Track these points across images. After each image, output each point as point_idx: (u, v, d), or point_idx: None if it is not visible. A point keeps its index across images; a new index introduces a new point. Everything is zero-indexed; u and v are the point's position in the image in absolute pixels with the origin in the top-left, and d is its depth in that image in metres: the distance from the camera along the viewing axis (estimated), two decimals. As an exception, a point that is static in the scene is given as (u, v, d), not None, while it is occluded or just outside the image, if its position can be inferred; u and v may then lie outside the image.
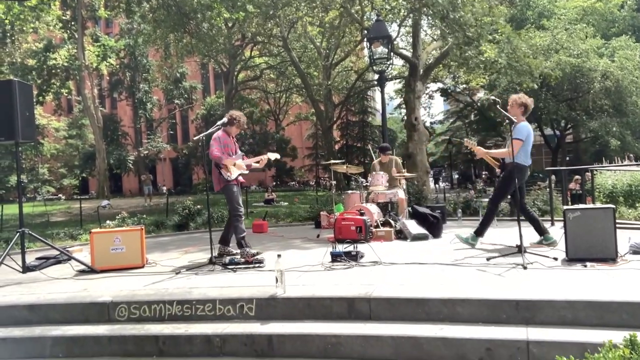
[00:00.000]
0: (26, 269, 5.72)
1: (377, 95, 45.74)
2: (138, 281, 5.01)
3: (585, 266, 4.53)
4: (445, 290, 3.86)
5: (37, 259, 6.44)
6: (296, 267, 5.21)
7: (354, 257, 5.38)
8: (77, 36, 33.45)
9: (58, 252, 6.81)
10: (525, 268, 4.53)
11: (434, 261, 5.20)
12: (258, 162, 6.31)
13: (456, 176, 45.94)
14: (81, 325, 4.17)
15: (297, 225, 11.05)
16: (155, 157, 45.98)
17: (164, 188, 41.48)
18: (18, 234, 5.60)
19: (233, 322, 3.99)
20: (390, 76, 29.93)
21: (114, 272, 5.61)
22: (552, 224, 8.22)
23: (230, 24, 25.03)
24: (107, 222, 10.52)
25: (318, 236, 7.95)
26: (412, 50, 16.85)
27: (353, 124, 43.58)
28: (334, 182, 8.31)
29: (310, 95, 27.26)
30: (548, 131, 34.84)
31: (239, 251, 5.90)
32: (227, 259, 5.46)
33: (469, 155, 44.82)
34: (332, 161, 8.38)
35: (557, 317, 3.45)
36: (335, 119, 31.72)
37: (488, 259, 5.04)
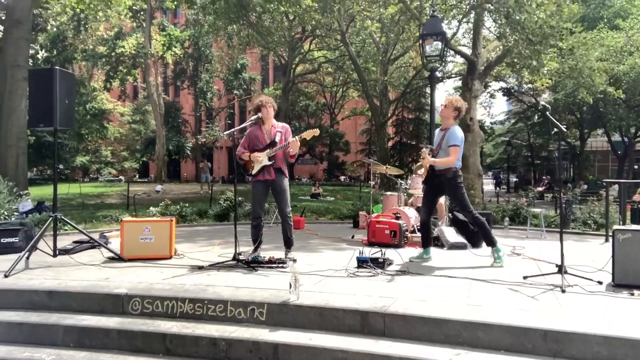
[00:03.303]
0: (58, 252, 5.84)
1: (435, 92, 44.76)
2: (159, 274, 4.99)
3: (632, 294, 4.08)
4: (467, 312, 3.56)
5: (74, 242, 6.59)
6: (319, 270, 5.03)
7: (380, 264, 5.13)
8: (145, 25, 34.63)
9: (97, 236, 6.99)
10: (563, 291, 4.14)
11: (465, 275, 4.87)
12: (287, 146, 5.59)
13: (514, 180, 44.21)
14: (95, 315, 4.15)
15: (336, 223, 10.87)
16: (212, 145, 47.03)
17: (216, 178, 42.38)
18: (51, 218, 5.71)
19: (243, 325, 3.86)
20: (450, 74, 29.13)
21: (140, 261, 5.63)
22: (607, 240, 7.61)
23: (291, 17, 25.08)
24: (151, 208, 10.73)
25: (352, 237, 7.73)
26: (471, 48, 16.20)
27: (408, 121, 42.79)
28: (373, 182, 8.03)
29: (366, 90, 26.91)
30: (615, 137, 32.84)
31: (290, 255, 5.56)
32: (250, 257, 5.34)
33: (529, 158, 43.05)
34: (372, 160, 8.09)
35: (590, 353, 3.09)
36: (390, 116, 31.19)
37: (525, 277, 4.66)
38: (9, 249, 6.06)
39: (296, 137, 5.75)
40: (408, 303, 3.79)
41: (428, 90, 41.97)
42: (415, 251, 6.11)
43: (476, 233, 6.92)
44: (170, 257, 5.87)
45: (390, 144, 38.39)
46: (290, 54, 32.18)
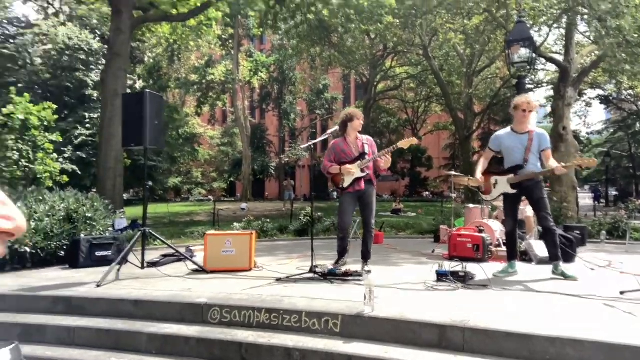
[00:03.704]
0: (146, 265, 6.15)
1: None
2: (238, 285, 5.09)
3: None
4: (555, 328, 3.28)
5: (161, 255, 6.93)
6: (396, 284, 4.89)
7: (461, 278, 4.90)
8: (233, 53, 36.37)
9: (183, 250, 7.32)
10: (667, 308, 3.71)
11: (554, 290, 4.52)
12: (379, 157, 5.52)
13: (614, 193, 40.92)
14: (176, 324, 4.30)
15: (416, 238, 10.60)
16: (295, 164, 48.00)
17: (298, 196, 43.05)
18: (140, 232, 6.04)
19: (317, 336, 3.82)
20: (541, 82, 27.79)
21: (222, 273, 5.78)
22: None
23: (372, 35, 25.23)
24: (235, 224, 11.07)
25: (433, 251, 7.48)
26: (563, 54, 15.36)
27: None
28: (454, 195, 7.74)
29: (449, 104, 26.33)
30: None
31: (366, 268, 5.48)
32: (326, 270, 5.31)
33: (630, 169, 39.79)
34: (452, 172, 7.83)
35: (702, 376, 2.73)
36: (475, 129, 30.20)
37: (622, 293, 4.24)
38: (102, 261, 6.47)
39: (391, 147, 5.73)
40: (490, 317, 3.56)
41: (516, 101, 40.35)
42: (500, 266, 5.78)
43: (568, 247, 6.46)
44: (250, 270, 5.99)
45: (475, 157, 37.13)
46: (371, 71, 32.30)
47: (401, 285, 4.84)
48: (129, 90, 29.63)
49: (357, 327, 3.75)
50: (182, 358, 3.97)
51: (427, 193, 44.36)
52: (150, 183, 35.65)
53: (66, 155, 24.56)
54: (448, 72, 27.69)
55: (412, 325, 3.58)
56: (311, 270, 5.28)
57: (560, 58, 15.62)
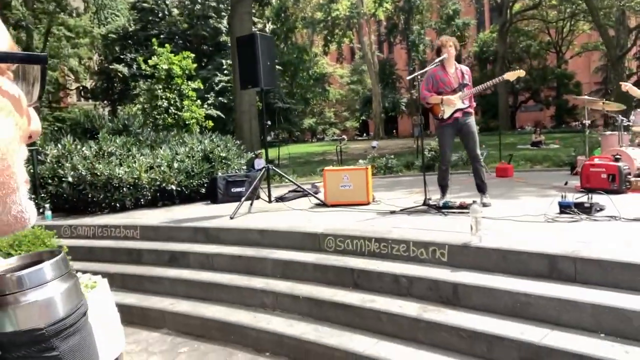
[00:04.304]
0: (275, 200, 6.67)
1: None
2: (354, 217, 5.34)
3: None
4: (683, 260, 3.02)
5: (290, 191, 7.42)
6: (514, 215, 4.75)
7: (587, 209, 4.60)
8: (356, -15, 35.66)
9: (309, 186, 7.78)
10: None
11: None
12: (486, 89, 5.58)
13: None
14: (296, 251, 4.69)
15: (553, 170, 9.92)
16: (427, 98, 46.64)
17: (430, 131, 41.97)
18: (265, 169, 6.51)
19: (425, 265, 3.94)
20: None
21: (341, 207, 6.08)
22: None
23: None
24: (360, 161, 11.32)
25: (565, 183, 7.00)
26: None
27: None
28: (587, 122, 7.06)
29: (597, 20, 23.35)
30: None
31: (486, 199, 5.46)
32: (441, 202, 5.32)
33: None
34: (585, 97, 7.11)
35: None
36: (630, 47, 26.58)
37: None
38: (238, 197, 7.08)
39: (497, 78, 5.57)
40: (607, 248, 3.37)
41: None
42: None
43: None
44: (368, 203, 6.19)
45: (633, 79, 32.85)
46: (506, -9, 29.65)
47: (519, 217, 4.70)
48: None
49: (464, 257, 3.79)
50: (302, 281, 4.35)
51: (577, 123, 40.53)
52: (268, 122, 37.21)
53: (209, 102, 26.50)
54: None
55: (520, 255, 3.53)
56: (424, 204, 5.33)
57: None
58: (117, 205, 6.78)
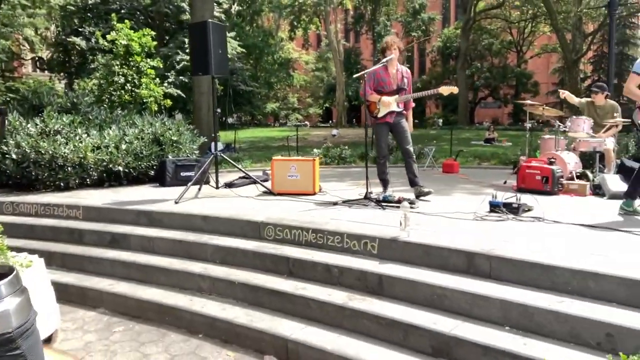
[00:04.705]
0: (224, 186, 6.74)
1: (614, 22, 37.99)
2: (297, 207, 5.48)
3: None
4: (584, 261, 3.29)
5: (240, 178, 7.49)
6: (446, 212, 5.00)
7: (514, 209, 4.89)
8: (324, -28, 35.52)
9: (261, 173, 7.89)
10: None
11: (608, 225, 4.40)
12: (422, 96, 5.92)
13: None
14: (237, 238, 4.81)
15: (498, 168, 10.36)
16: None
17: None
18: (212, 156, 6.57)
19: (356, 256, 4.12)
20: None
21: (287, 196, 6.21)
22: None
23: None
24: (314, 150, 11.48)
25: (504, 182, 7.36)
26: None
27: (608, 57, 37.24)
28: (528, 125, 7.43)
29: (555, 23, 24.17)
30: None
31: (425, 190, 5.76)
32: (381, 196, 5.53)
33: None
34: (528, 101, 7.46)
35: None
36: (584, 51, 27.61)
37: (683, 231, 4.05)
38: (187, 181, 7.06)
39: (432, 90, 5.85)
40: (521, 247, 3.63)
41: (635, 20, 36.01)
42: (573, 199, 5.69)
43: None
44: (314, 194, 6.36)
45: (587, 83, 34.14)
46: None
47: (450, 214, 4.94)
48: (223, 15, 30.42)
49: (392, 250, 3.99)
50: (240, 268, 4.48)
51: (533, 121, 41.79)
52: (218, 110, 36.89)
53: (170, 80, 25.99)
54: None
55: (442, 250, 3.75)
56: (366, 197, 5.53)
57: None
58: (62, 184, 6.71)
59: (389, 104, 5.64)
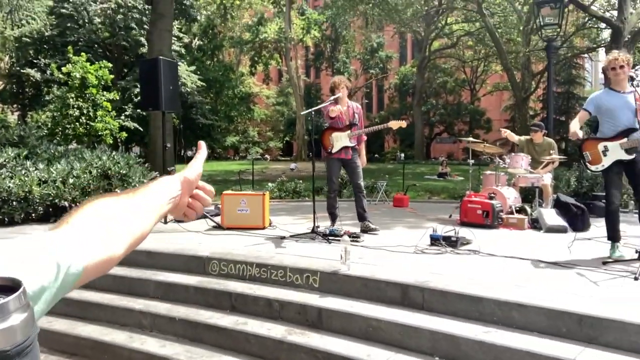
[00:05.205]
0: (171, 220, 6.71)
1: (589, 63, 40.35)
2: (245, 241, 5.53)
3: None
4: (508, 292, 3.48)
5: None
6: (388, 245, 5.14)
7: (453, 243, 5.09)
8: (285, 10, 36.33)
9: (213, 207, 7.87)
10: (636, 279, 3.78)
11: (539, 257, 4.63)
12: (371, 131, 6.19)
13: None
14: (181, 274, 4.81)
15: (447, 202, 10.67)
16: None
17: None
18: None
19: (298, 290, 4.19)
20: (601, 42, 26.16)
21: (237, 230, 6.24)
22: None
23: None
24: (269, 184, 11.55)
25: (450, 216, 7.61)
26: (617, 12, 14.46)
27: (557, 95, 39.18)
28: (471, 161, 7.79)
29: (505, 63, 25.35)
30: None
31: (372, 226, 5.94)
32: (327, 230, 5.65)
33: None
34: (471, 139, 7.84)
35: (627, 342, 2.88)
36: (533, 89, 28.98)
37: (604, 263, 4.31)
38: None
39: (382, 124, 6.08)
40: (452, 280, 3.80)
41: (580, 61, 38.18)
42: (512, 233, 6.03)
43: (579, 216, 6.44)
44: (264, 228, 6.41)
45: (537, 119, 35.71)
46: (425, 29, 31.47)
47: (393, 247, 5.09)
48: (183, 50, 30.53)
49: (333, 283, 4.09)
50: (182, 304, 4.47)
51: (485, 157, 43.19)
52: (167, 144, 36.70)
53: (127, 113, 25.74)
54: (506, 30, 26.56)
55: (379, 283, 3.88)
56: (313, 231, 5.64)
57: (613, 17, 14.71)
58: (6, 219, 6.55)
59: (341, 140, 5.83)
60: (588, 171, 5.20)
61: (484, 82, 43.03)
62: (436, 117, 42.27)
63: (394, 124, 6.05)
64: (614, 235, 4.59)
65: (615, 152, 4.49)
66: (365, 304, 3.81)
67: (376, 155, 42.77)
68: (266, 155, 45.09)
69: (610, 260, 4.36)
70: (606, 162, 4.55)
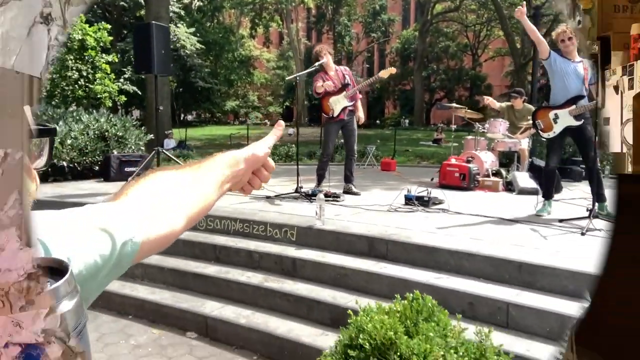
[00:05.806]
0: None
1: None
2: (233, 200, 5.87)
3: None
4: (462, 243, 3.85)
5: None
6: (365, 204, 5.51)
7: (425, 202, 5.45)
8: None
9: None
10: (583, 234, 4.15)
11: (501, 215, 4.99)
12: (367, 85, 6.45)
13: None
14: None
15: (435, 167, 10.96)
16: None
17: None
18: (154, 152, 6.91)
19: (277, 243, 4.58)
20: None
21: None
22: None
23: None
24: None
25: (432, 179, 7.95)
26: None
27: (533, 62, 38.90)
28: (454, 127, 8.09)
29: (506, 28, 25.28)
30: None
31: (354, 190, 6.26)
32: (310, 190, 6.00)
33: None
34: (454, 104, 8.11)
35: (559, 286, 3.26)
36: (533, 56, 28.86)
37: (560, 221, 4.67)
38: (130, 176, 7.44)
39: (374, 77, 6.30)
40: (415, 233, 4.17)
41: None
42: (493, 195, 6.50)
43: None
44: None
45: (538, 85, 35.59)
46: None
47: (369, 206, 5.46)
48: (182, 12, 30.31)
49: (308, 237, 4.47)
50: (171, 255, 4.85)
51: (482, 124, 43.23)
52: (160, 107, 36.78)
53: (126, 76, 25.83)
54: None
55: (348, 236, 4.26)
56: (296, 191, 5.99)
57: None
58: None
59: (339, 100, 6.06)
60: (541, 138, 5.55)
61: (486, 47, 42.66)
62: (437, 82, 42.15)
63: (384, 73, 6.22)
64: (547, 194, 5.12)
65: (564, 119, 4.87)
66: (336, 255, 4.19)
67: (377, 122, 42.95)
68: (266, 120, 45.18)
69: (541, 215, 4.78)
70: (557, 129, 4.94)
